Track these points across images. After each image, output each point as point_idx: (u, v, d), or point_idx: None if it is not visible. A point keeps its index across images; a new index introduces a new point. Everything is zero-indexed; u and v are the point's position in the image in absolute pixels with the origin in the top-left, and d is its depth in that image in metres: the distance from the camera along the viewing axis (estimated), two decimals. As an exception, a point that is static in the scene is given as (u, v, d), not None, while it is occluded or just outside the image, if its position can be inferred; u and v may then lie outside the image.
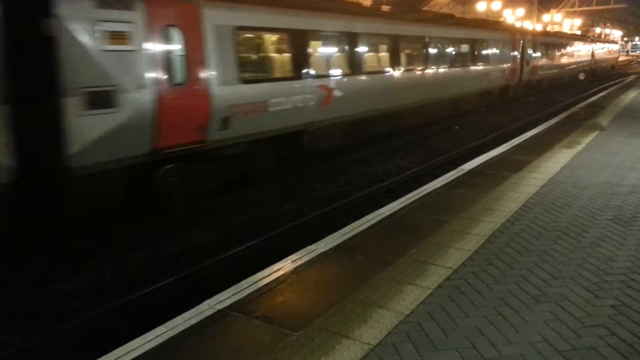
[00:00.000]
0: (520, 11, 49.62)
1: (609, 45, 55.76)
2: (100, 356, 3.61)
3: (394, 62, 13.66)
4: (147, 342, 3.74)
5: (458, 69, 17.72)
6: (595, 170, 8.72)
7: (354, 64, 12.10)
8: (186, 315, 4.12)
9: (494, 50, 20.92)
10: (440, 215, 6.42)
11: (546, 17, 55.09)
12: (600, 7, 59.46)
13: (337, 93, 11.33)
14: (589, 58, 41.13)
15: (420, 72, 15.21)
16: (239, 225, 8.19)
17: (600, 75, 45.26)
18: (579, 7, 57.78)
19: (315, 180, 10.69)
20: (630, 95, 22.61)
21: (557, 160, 9.54)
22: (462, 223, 6.15)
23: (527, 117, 20.07)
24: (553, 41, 30.45)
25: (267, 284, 4.64)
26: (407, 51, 14.73)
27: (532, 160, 9.62)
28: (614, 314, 4.04)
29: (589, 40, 43.81)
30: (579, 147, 10.79)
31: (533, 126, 14.81)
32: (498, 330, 3.83)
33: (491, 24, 23.58)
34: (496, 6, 43.41)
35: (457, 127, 17.69)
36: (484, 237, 5.67)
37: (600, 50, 47.45)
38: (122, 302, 5.78)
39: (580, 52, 37.74)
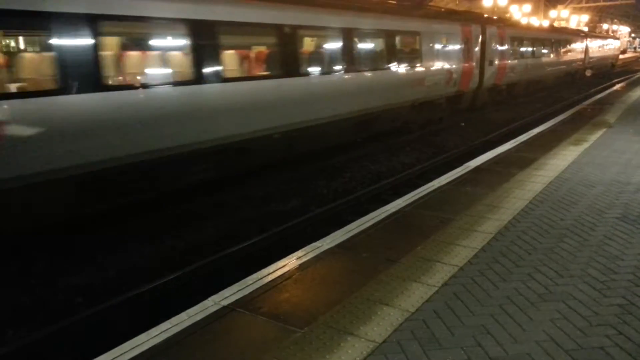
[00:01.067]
0: (527, 7, 49.27)
1: (608, 41, 48.87)
2: (105, 351, 3.62)
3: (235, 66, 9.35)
4: (152, 338, 3.74)
5: (365, 73, 12.03)
6: (602, 167, 8.66)
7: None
8: (191, 311, 4.12)
9: (432, 47, 14.84)
10: (446, 213, 6.39)
11: (553, 13, 54.69)
12: (608, 3, 58.97)
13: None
14: (581, 56, 34.74)
15: (288, 80, 9.74)
16: (244, 221, 8.19)
17: (597, 76, 39.41)
18: (586, 2, 57.34)
19: (320, 177, 10.67)
20: (638, 93, 22.44)
21: (563, 158, 9.47)
22: (468, 220, 6.12)
23: (534, 114, 19.97)
24: (530, 35, 24.12)
25: (272, 281, 4.63)
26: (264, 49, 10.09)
27: (539, 157, 9.56)
28: (621, 313, 4.01)
29: (582, 35, 36.48)
30: (586, 145, 10.72)
31: (539, 123, 14.73)
32: (504, 329, 3.81)
33: (432, 12, 17.48)
34: (502, 2, 42.99)
35: (463, 124, 17.61)
36: (490, 235, 5.64)
37: (596, 46, 40.87)
38: (127, 297, 5.79)
39: (568, 49, 31.09)
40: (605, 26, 75.02)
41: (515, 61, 21.80)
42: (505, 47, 20.29)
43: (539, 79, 26.57)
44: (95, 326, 5.34)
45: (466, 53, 16.95)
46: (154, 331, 3.84)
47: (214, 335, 3.78)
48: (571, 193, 7.20)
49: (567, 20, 56.38)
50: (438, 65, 15.22)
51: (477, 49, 17.84)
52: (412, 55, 13.74)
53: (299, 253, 5.24)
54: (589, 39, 37.46)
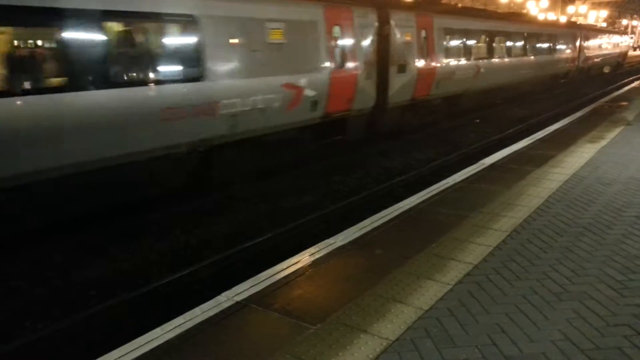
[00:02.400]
0: (545, 3, 48.65)
1: (612, 37, 39.86)
2: (119, 345, 3.65)
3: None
4: (165, 333, 3.76)
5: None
6: (620, 165, 8.52)
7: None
8: (204, 306, 4.13)
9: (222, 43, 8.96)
10: (461, 210, 6.34)
11: (571, 9, 53.94)
12: (628, -2, 57.96)
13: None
14: (572, 54, 27.62)
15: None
16: (257, 217, 8.20)
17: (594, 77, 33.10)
18: (605, -2, 56.45)
19: (334, 173, 10.65)
20: (658, 89, 22.06)
21: (580, 155, 9.34)
22: (482, 218, 6.06)
23: (550, 110, 19.71)
24: (484, 27, 17.56)
25: (285, 277, 4.63)
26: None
27: (556, 154, 9.44)
28: (639, 314, 3.95)
29: (574, 28, 29.27)
30: (604, 142, 10.55)
31: (556, 120, 14.54)
32: (519, 328, 3.77)
33: None
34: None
35: (478, 121, 17.45)
36: (505, 233, 5.58)
37: (595, 43, 33.27)
38: (141, 292, 5.83)
39: (552, 46, 24.36)
40: (624, 22, 73.78)
41: (457, 63, 15.40)
42: (435, 43, 14.08)
43: (504, 86, 19.47)
44: (109, 320, 5.39)
45: (338, 53, 10.69)
46: (168, 326, 3.86)
47: (227, 331, 3.80)
48: (588, 191, 7.10)
49: (585, 16, 55.58)
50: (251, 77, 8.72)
51: (367, 46, 11.50)
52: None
53: (312, 249, 5.23)
54: (584, 34, 29.71)
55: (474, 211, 6.29)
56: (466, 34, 16.03)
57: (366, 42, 11.50)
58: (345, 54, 10.92)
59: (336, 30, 10.62)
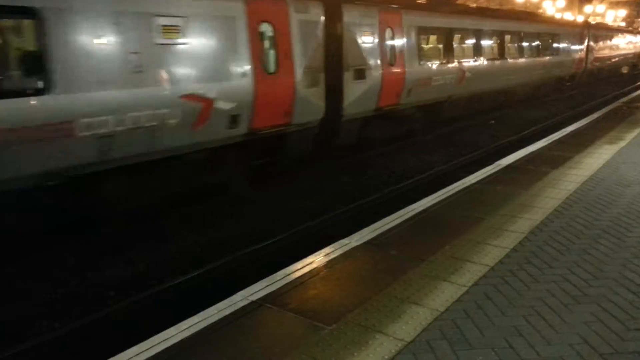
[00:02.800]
0: (561, 2, 48.11)
1: (627, 36, 37.03)
2: (135, 344, 3.68)
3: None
4: (180, 332, 3.78)
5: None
6: (639, 167, 8.39)
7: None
8: (220, 305, 4.15)
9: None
10: (476, 212, 6.29)
11: (588, 8, 53.28)
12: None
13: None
14: (578, 55, 25.17)
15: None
16: (268, 218, 8.18)
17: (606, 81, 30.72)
18: (624, -3, 55.66)
19: (344, 174, 10.61)
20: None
21: (598, 157, 9.22)
22: (499, 220, 6.00)
23: (567, 111, 19.49)
24: (469, 25, 15.45)
25: (300, 277, 4.63)
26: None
27: (573, 156, 9.33)
28: (660, 318, 3.88)
29: (580, 27, 26.66)
30: (622, 143, 10.40)
31: (573, 121, 14.37)
32: (537, 331, 3.72)
33: None
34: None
35: (493, 122, 17.31)
36: (522, 235, 5.52)
37: (606, 43, 30.58)
38: (155, 291, 5.86)
39: (554, 46, 22.14)
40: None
41: (436, 67, 13.36)
42: (406, 44, 12.08)
43: (497, 91, 17.36)
44: (126, 319, 5.43)
45: (266, 56, 8.73)
46: (183, 325, 3.88)
47: (242, 330, 3.81)
48: (607, 193, 7.00)
49: (603, 15, 54.86)
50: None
51: (310, 47, 9.41)
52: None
53: (327, 250, 5.23)
54: (593, 33, 27.17)
55: (489, 213, 6.24)
56: (448, 33, 14.04)
57: (309, 43, 9.34)
58: (278, 57, 8.78)
59: (264, 28, 8.57)
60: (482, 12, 18.12)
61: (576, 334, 3.68)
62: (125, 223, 7.32)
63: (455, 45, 14.41)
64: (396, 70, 11.70)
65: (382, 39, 11.20)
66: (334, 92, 10.09)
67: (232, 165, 8.74)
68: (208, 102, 7.61)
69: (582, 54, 25.73)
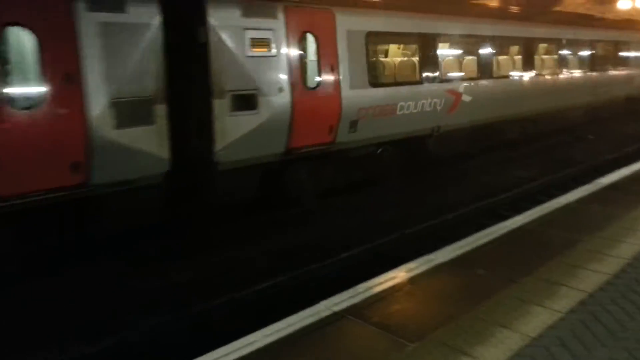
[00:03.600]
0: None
1: None
2: (219, 346, 3.80)
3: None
4: (265, 337, 3.86)
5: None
6: None
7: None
8: (303, 314, 4.19)
9: None
10: (574, 233, 5.89)
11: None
12: None
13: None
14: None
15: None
16: (351, 229, 8.15)
17: None
18: None
19: (432, 188, 10.39)
20: None
21: None
22: (598, 243, 5.59)
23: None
24: (465, 29, 11.62)
25: (382, 291, 4.58)
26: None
27: (685, 176, 8.52)
28: None
29: None
30: None
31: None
32: (643, 367, 3.42)
33: None
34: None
35: (592, 137, 16.22)
36: (624, 260, 5.10)
37: None
38: (236, 297, 5.96)
39: (613, 56, 17.94)
40: None
41: (402, 89, 9.91)
42: (339, 54, 8.74)
43: (513, 118, 13.11)
44: (210, 321, 5.62)
45: (15, 78, 5.77)
46: (267, 330, 3.96)
47: (325, 340, 3.82)
48: None
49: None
50: None
51: (129, 62, 6.46)
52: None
53: (411, 265, 5.13)
54: None
55: (588, 234, 5.83)
56: (427, 41, 10.38)
57: (125, 56, 6.39)
58: (45, 80, 5.83)
59: (12, 35, 5.72)
60: (497, 13, 14.00)
61: (690, 375, 3.33)
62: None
63: (441, 58, 10.84)
64: (322, 94, 8.47)
65: (292, 50, 8.03)
66: (192, 130, 7.27)
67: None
68: None
69: None
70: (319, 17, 8.48)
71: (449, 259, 5.23)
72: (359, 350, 3.70)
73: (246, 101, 7.49)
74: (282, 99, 7.86)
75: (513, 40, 13.27)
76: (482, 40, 11.89)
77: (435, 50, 10.59)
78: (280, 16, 7.87)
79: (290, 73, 7.95)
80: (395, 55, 11.16)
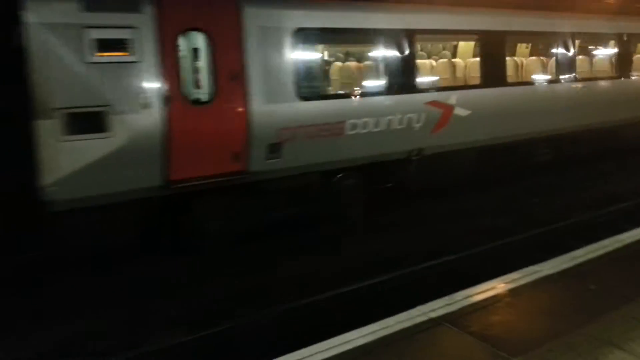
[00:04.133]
0: None
1: None
2: (318, 341, 3.90)
3: None
4: (362, 336, 3.91)
5: None
6: None
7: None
8: (399, 317, 4.18)
9: None
10: None
11: None
12: None
13: None
14: None
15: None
16: (447, 235, 7.93)
17: None
18: None
19: (534, 195, 9.77)
20: None
21: None
22: None
23: None
24: (457, 23, 8.88)
25: (482, 300, 4.46)
26: None
27: None
28: None
29: None
30: None
31: None
32: None
33: None
34: None
35: None
36: None
37: None
38: (332, 294, 6.01)
39: None
40: None
41: (354, 100, 7.80)
42: (248, 58, 6.69)
43: (526, 138, 9.99)
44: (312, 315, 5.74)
45: None
46: (364, 330, 4.01)
47: (421, 345, 3.80)
48: None
49: None
50: None
51: None
52: None
53: (514, 275, 4.93)
54: None
55: None
56: (396, 38, 7.93)
57: None
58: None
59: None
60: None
61: None
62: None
63: (419, 61, 8.66)
64: (218, 111, 6.52)
65: (168, 54, 6.18)
66: (6, 161, 5.77)
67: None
68: None
69: None
70: (213, 10, 6.50)
71: (557, 271, 4.95)
72: (454, 359, 3.63)
73: (89, 121, 5.75)
74: (148, 118, 6.02)
75: (519, 35, 10.26)
76: (486, 36, 9.07)
77: (404, 51, 8.01)
78: (147, 9, 6.00)
79: (163, 84, 6.10)
80: (342, 59, 9.03)
